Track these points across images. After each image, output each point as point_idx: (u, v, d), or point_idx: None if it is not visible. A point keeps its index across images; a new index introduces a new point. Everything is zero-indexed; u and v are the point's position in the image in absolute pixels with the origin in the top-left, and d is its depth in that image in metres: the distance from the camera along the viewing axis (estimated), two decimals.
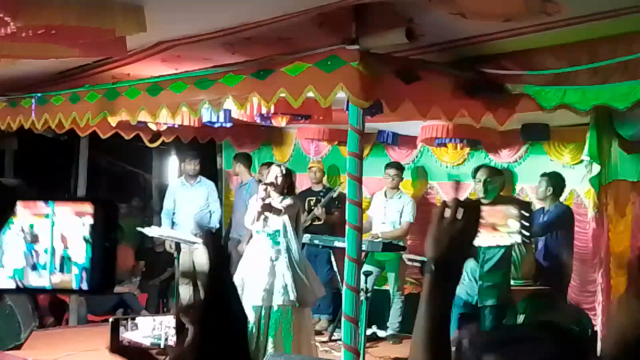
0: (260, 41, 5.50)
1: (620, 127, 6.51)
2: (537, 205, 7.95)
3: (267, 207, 6.41)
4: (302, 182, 9.65)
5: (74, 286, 1.01)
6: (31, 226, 1.01)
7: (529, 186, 8.36)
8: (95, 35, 4.70)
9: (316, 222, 8.61)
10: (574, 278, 7.53)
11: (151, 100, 6.19)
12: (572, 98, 4.90)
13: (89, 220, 0.99)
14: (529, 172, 8.37)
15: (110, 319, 1.72)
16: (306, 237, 7.94)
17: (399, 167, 8.57)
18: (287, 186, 6.71)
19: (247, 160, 9.42)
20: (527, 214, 1.71)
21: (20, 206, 0.99)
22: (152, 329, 1.58)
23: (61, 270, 1.01)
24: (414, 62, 5.30)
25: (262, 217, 6.49)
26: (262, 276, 6.41)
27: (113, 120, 6.61)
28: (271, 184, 6.57)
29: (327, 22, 5.03)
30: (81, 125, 7.00)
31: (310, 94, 5.04)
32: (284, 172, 6.69)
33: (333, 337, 7.81)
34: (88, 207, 0.99)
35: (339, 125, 7.30)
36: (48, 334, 8.02)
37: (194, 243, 7.24)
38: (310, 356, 5.72)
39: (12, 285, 1.02)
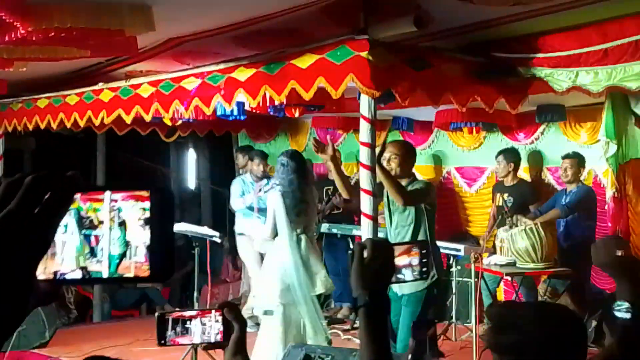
0: (269, 34, 5.49)
1: (636, 105, 6.46)
2: (557, 187, 7.92)
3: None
4: (319, 171, 9.67)
5: (140, 273, 0.98)
6: (92, 208, 0.98)
7: (546, 167, 8.32)
8: (105, 36, 4.72)
9: (335, 211, 8.61)
10: None
11: (164, 96, 6.22)
12: (585, 79, 4.87)
13: (147, 205, 0.97)
14: (547, 153, 8.32)
15: (157, 314, 1.76)
16: (324, 227, 7.96)
17: None
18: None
19: (247, 153, 9.13)
20: (424, 251, 1.90)
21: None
22: (202, 332, 1.64)
23: (125, 258, 0.98)
24: (424, 49, 5.27)
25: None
26: (265, 278, 6.03)
27: (128, 118, 6.63)
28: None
29: (336, 12, 5.01)
30: (96, 123, 7.04)
31: (321, 85, 5.04)
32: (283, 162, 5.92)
33: (355, 325, 7.84)
34: (145, 194, 0.98)
35: (353, 114, 7.29)
36: (73, 332, 8.10)
37: (212, 237, 7.26)
38: (331, 346, 5.72)
39: (78, 276, 1.00)
